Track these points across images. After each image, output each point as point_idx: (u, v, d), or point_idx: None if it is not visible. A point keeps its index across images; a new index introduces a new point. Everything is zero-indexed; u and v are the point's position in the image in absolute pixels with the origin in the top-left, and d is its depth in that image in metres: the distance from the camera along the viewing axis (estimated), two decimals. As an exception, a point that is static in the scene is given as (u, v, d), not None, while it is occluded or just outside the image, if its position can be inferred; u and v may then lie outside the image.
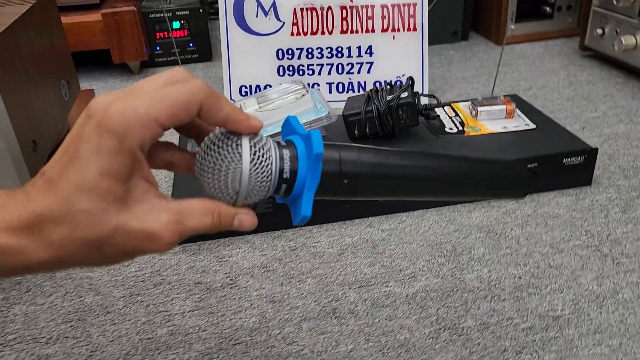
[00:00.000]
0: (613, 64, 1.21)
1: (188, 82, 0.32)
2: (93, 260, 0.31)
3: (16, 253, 0.30)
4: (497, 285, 0.61)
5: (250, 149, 0.35)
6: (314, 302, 0.59)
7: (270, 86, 1.08)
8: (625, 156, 0.85)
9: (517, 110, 0.86)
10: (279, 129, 0.77)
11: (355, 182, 0.40)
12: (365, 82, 1.07)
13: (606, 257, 0.64)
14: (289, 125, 0.41)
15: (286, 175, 0.37)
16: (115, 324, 0.58)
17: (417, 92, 0.81)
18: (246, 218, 0.36)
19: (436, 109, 0.88)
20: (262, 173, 0.35)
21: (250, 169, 0.35)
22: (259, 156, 0.35)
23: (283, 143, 0.38)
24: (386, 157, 0.43)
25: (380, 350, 0.53)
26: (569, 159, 0.75)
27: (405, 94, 0.77)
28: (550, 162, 0.75)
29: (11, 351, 0.55)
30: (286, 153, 0.37)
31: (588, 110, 1.02)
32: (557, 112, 1.01)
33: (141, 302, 0.61)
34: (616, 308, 0.57)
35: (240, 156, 0.35)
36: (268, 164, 0.36)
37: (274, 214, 0.70)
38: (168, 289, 0.62)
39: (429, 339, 0.54)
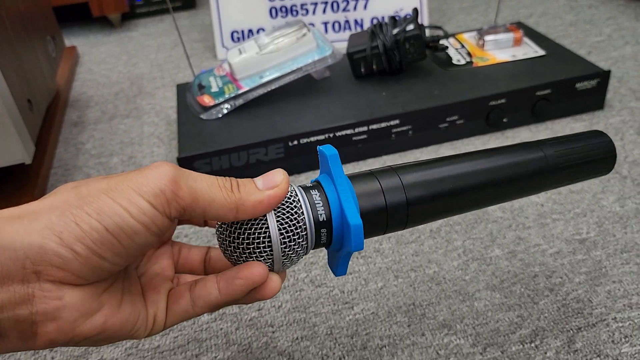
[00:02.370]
0: (613, -14, 1.17)
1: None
2: (68, 208, 0.26)
3: None
4: (520, 214, 0.60)
5: (280, 232, 0.30)
6: (338, 243, 0.59)
7: (264, 29, 1.04)
8: (635, 78, 0.84)
9: (525, 38, 0.84)
10: (281, 72, 0.74)
11: (404, 211, 0.33)
12: (362, 20, 1.03)
13: (626, 179, 0.64)
14: (324, 158, 0.34)
15: (323, 232, 0.32)
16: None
17: (422, 25, 0.78)
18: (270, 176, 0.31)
19: (441, 41, 0.85)
20: (296, 245, 0.31)
21: (284, 250, 0.31)
22: (290, 234, 0.31)
23: (311, 185, 0.33)
24: (436, 170, 0.35)
25: (411, 285, 0.53)
26: (582, 83, 0.74)
27: (411, 27, 0.74)
28: (563, 88, 0.73)
29: None
30: (317, 198, 0.32)
31: (592, 34, 1.00)
32: (561, 38, 0.99)
33: (161, 256, 0.59)
34: (641, 227, 0.57)
35: (270, 244, 0.30)
36: (302, 233, 0.31)
37: (285, 159, 0.68)
38: (186, 240, 0.61)
39: (458, 270, 0.54)
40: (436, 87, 0.74)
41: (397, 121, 0.70)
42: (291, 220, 0.30)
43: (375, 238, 0.58)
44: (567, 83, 0.73)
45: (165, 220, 0.27)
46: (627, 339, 0.45)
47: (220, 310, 0.52)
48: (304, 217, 0.31)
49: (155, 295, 0.32)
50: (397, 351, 0.46)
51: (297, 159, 0.69)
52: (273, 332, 0.49)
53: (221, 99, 0.73)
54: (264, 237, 0.30)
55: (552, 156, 0.37)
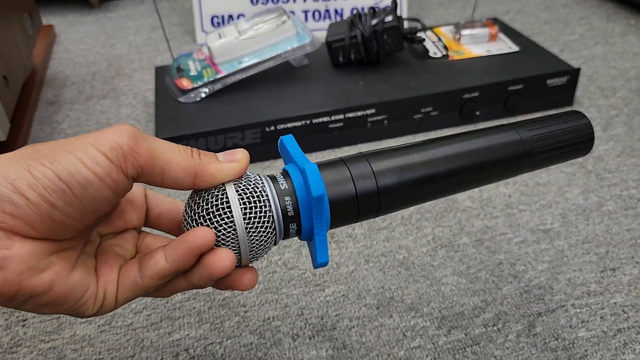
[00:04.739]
0: (587, -13, 1.20)
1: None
2: (24, 159, 0.26)
3: None
4: (488, 204, 0.62)
5: (240, 203, 0.29)
6: (311, 228, 0.60)
7: (244, 15, 1.04)
8: (603, 77, 0.87)
9: (500, 34, 0.86)
10: (260, 58, 0.74)
11: (375, 199, 0.32)
12: (342, 9, 1.04)
13: (590, 173, 0.66)
14: (284, 148, 0.33)
15: (289, 210, 0.30)
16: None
17: (401, 17, 0.79)
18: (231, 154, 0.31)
19: (419, 34, 0.86)
20: (261, 226, 0.30)
21: (247, 227, 0.29)
22: (252, 208, 0.29)
23: (279, 175, 0.32)
24: (408, 157, 0.33)
25: (381, 270, 0.54)
26: (553, 79, 0.76)
27: (389, 18, 0.76)
28: (535, 84, 0.75)
29: None
30: (285, 185, 0.31)
31: (565, 33, 1.02)
32: (536, 35, 1.01)
33: (135, 236, 0.60)
34: (602, 219, 0.59)
35: (231, 215, 0.29)
36: (267, 213, 0.30)
37: (262, 144, 0.69)
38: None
39: (427, 256, 0.56)
40: (412, 78, 0.75)
41: (372, 110, 0.71)
42: (252, 195, 0.30)
43: (348, 224, 0.60)
44: (538, 79, 0.75)
45: (120, 175, 0.27)
46: (583, 324, 0.48)
47: (194, 290, 0.53)
48: (267, 195, 0.30)
49: (107, 270, 0.31)
50: (365, 332, 0.48)
51: (274, 144, 0.69)
52: (245, 312, 0.50)
53: (200, 83, 0.73)
54: (223, 206, 0.29)
55: (528, 140, 0.36)
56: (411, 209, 0.62)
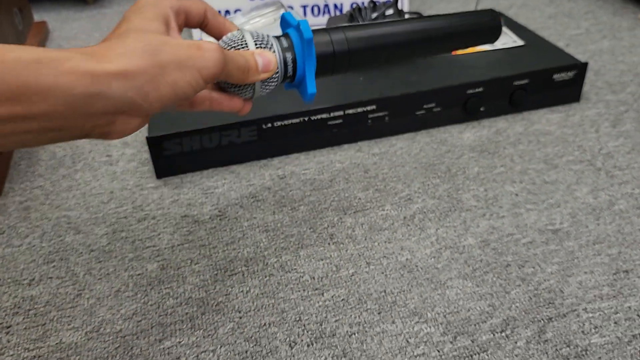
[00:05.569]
0: (592, -20, 1.18)
1: None
2: (155, 75, 0.36)
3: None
4: (494, 203, 0.59)
5: (255, 40, 0.42)
6: (310, 229, 0.57)
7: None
8: (611, 71, 0.84)
9: (504, 28, 0.83)
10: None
11: (347, 57, 0.47)
12: (342, 4, 1.01)
13: (600, 171, 0.64)
14: (284, 21, 0.46)
15: (288, 61, 0.44)
16: (101, 261, 0.55)
17: (402, 10, 0.76)
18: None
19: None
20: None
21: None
22: (262, 45, 0.42)
23: (281, 36, 0.44)
24: (371, 30, 0.49)
25: (383, 273, 0.52)
26: (559, 74, 0.73)
27: (390, 11, 0.73)
28: (541, 78, 0.73)
29: (-9, 295, 0.51)
30: (285, 43, 0.44)
31: (571, 27, 1.00)
32: (540, 30, 0.99)
33: (126, 238, 0.57)
34: (613, 219, 0.57)
35: (247, 46, 0.42)
36: (273, 51, 0.42)
37: (258, 142, 0.67)
38: (153, 223, 0.59)
39: (431, 258, 0.53)
40: (414, 73, 0.73)
41: (373, 106, 0.68)
42: (264, 44, 0.42)
43: (348, 224, 0.57)
44: (544, 74, 0.73)
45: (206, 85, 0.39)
46: (597, 329, 0.45)
47: (186, 294, 0.50)
48: (272, 44, 0.43)
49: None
50: (366, 338, 0.45)
51: (271, 142, 0.67)
52: (240, 318, 0.48)
53: (194, 79, 0.71)
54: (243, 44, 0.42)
55: (455, 22, 0.53)
56: (413, 209, 0.59)
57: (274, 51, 0.43)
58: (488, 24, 0.57)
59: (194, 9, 0.43)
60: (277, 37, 0.44)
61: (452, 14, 0.55)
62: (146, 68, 0.35)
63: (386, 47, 0.50)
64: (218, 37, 0.47)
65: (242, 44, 0.42)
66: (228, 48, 0.42)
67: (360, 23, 0.51)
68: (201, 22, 0.45)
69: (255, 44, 0.42)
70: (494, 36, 0.58)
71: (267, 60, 0.42)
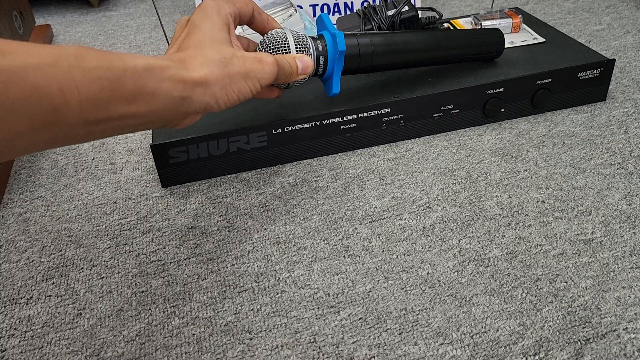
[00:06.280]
0: (612, -26, 1.13)
1: None
2: (226, 84, 0.44)
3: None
4: (520, 211, 0.56)
5: (295, 43, 0.52)
6: (323, 240, 0.54)
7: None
8: (637, 68, 0.80)
9: (523, 24, 0.79)
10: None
11: (371, 58, 0.58)
12: (352, 3, 0.98)
13: (632, 175, 0.60)
14: (321, 21, 0.56)
15: (321, 62, 0.54)
16: (103, 277, 0.51)
17: (415, 7, 0.73)
18: (304, 58, 0.52)
19: (438, 24, 0.80)
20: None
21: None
22: (301, 48, 0.52)
23: (316, 37, 0.55)
24: (392, 37, 0.60)
25: (403, 288, 0.48)
26: (585, 72, 0.69)
27: (405, 8, 0.69)
28: (565, 77, 0.69)
29: (-13, 315, 0.48)
30: (320, 46, 0.54)
31: (592, 22, 0.95)
32: (559, 26, 0.95)
33: (129, 252, 0.54)
34: (649, 228, 0.53)
35: (289, 48, 0.52)
36: (310, 53, 0.53)
37: (268, 148, 0.63)
38: (158, 236, 0.56)
39: (454, 272, 0.49)
40: (431, 73, 0.69)
41: (388, 109, 0.65)
42: (303, 46, 0.53)
43: (364, 235, 0.54)
44: (569, 72, 0.69)
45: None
46: None
47: (192, 313, 0.47)
48: (310, 45, 0.54)
49: None
50: (387, 362, 0.42)
51: (281, 148, 0.64)
52: (250, 339, 0.45)
53: (200, 82, 0.68)
54: (285, 46, 0.53)
55: (464, 38, 0.67)
56: (433, 218, 0.55)
57: (310, 54, 0.52)
58: (494, 40, 0.68)
59: (246, 11, 0.51)
60: (314, 39, 0.53)
61: (464, 30, 0.67)
62: (220, 77, 0.43)
63: (403, 53, 0.61)
64: (262, 33, 0.55)
65: (285, 47, 0.51)
66: (272, 47, 0.52)
67: (385, 32, 0.61)
68: (250, 20, 0.53)
69: (296, 46, 0.51)
70: (499, 52, 0.69)
71: (306, 64, 0.51)
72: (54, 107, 0.32)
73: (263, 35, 0.54)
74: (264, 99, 0.56)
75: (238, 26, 0.70)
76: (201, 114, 0.46)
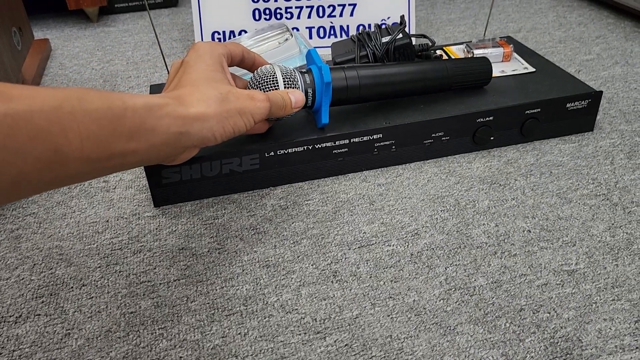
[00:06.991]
0: (603, 4, 1.16)
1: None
2: (223, 118, 0.46)
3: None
4: (506, 240, 0.57)
5: (283, 78, 0.55)
6: (312, 265, 0.55)
7: (246, 31, 1.00)
8: (625, 99, 0.82)
9: (514, 53, 0.81)
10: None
11: (358, 90, 0.61)
12: (348, 26, 1.00)
13: (616, 206, 0.61)
14: (310, 56, 0.59)
15: (309, 95, 0.57)
16: (92, 297, 0.52)
17: (409, 34, 0.74)
18: (296, 92, 0.55)
19: (432, 51, 0.81)
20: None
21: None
22: (289, 82, 0.55)
23: (305, 70, 0.58)
24: (379, 70, 0.63)
25: (389, 315, 0.49)
26: (573, 103, 0.71)
27: (400, 35, 0.71)
28: (554, 107, 0.70)
29: (-25, 333, 0.49)
30: (307, 79, 0.57)
31: (581, 52, 0.97)
32: (550, 55, 0.97)
33: (120, 272, 0.55)
34: (632, 260, 0.54)
35: (277, 83, 0.55)
36: (298, 86, 0.56)
37: (260, 171, 0.64)
38: (149, 256, 0.57)
39: (440, 300, 0.50)
40: (422, 100, 0.71)
41: (379, 135, 0.66)
42: (291, 80, 0.56)
43: (352, 260, 0.55)
44: (558, 102, 0.70)
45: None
46: (617, 383, 0.42)
47: (180, 335, 0.47)
48: (298, 79, 0.57)
49: None
50: (371, 390, 0.43)
51: (273, 170, 0.65)
52: (237, 364, 0.45)
53: (195, 104, 0.69)
54: (274, 81, 0.55)
55: (451, 67, 0.69)
56: (421, 244, 0.56)
57: (299, 87, 0.55)
58: (482, 69, 0.70)
59: (236, 52, 0.55)
60: (302, 73, 0.56)
61: (452, 59, 0.68)
62: (218, 112, 0.45)
63: (390, 85, 0.63)
64: (251, 70, 0.58)
65: (273, 82, 0.54)
66: (261, 82, 0.54)
67: (372, 64, 0.64)
68: (240, 61, 0.56)
69: (284, 81, 0.54)
70: (486, 80, 0.71)
71: (298, 98, 0.55)
72: (56, 147, 0.34)
73: (253, 73, 0.57)
74: (259, 132, 0.61)
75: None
76: (198, 148, 0.48)
